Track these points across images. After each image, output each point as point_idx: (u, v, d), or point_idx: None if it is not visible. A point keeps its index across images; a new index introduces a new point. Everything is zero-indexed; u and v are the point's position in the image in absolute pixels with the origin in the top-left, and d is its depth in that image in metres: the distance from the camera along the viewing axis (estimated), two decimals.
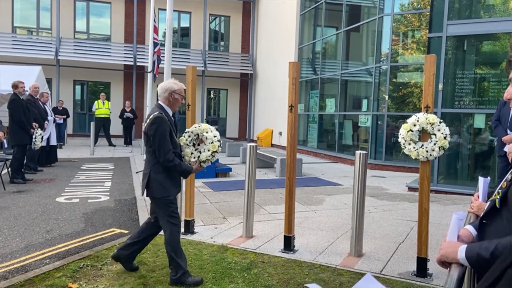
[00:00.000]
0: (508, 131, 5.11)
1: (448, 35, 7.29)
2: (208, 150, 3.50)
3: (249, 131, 20.24)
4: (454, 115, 7.58)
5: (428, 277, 3.64)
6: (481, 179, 1.76)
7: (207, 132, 3.54)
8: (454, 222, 1.41)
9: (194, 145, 3.58)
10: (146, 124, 3.28)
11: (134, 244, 3.54)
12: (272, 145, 16.40)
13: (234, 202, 6.28)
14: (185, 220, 4.66)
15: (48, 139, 9.47)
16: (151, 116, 3.25)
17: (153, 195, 3.32)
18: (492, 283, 0.87)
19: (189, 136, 3.56)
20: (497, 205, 1.27)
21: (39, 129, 7.96)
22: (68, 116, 13.92)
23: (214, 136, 3.54)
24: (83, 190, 7.06)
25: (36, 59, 15.89)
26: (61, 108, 13.63)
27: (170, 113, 3.37)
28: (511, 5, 7.43)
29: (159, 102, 3.40)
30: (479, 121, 7.36)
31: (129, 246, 3.55)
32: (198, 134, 3.57)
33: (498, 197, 1.28)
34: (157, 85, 3.57)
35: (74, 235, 4.64)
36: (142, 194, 3.42)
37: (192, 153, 3.53)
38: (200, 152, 3.51)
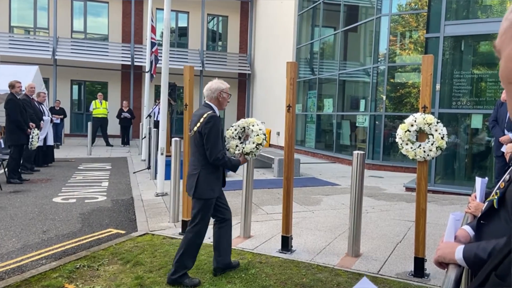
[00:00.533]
0: (506, 132, 5.13)
1: (445, 36, 7.31)
2: (253, 143, 3.57)
3: None
4: (452, 116, 7.59)
5: (426, 277, 3.63)
6: (478, 180, 1.75)
7: (253, 126, 3.62)
8: (451, 222, 1.40)
9: (239, 138, 3.65)
10: (198, 123, 3.25)
11: (218, 249, 3.53)
12: (270, 145, 16.40)
13: (232, 202, 6.22)
14: (183, 221, 4.65)
15: (45, 139, 9.43)
16: (204, 115, 3.25)
17: (203, 197, 3.30)
18: (480, 284, 0.87)
19: (235, 130, 3.64)
20: (495, 206, 1.26)
21: (36, 129, 7.93)
22: (65, 116, 13.87)
23: (260, 130, 3.62)
24: (80, 190, 7.03)
25: (33, 59, 15.83)
26: (58, 108, 13.58)
27: (218, 112, 3.40)
28: (508, 6, 7.45)
29: (207, 101, 3.41)
30: (476, 122, 7.37)
31: (217, 252, 3.54)
32: (244, 127, 3.64)
33: (496, 197, 1.27)
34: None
35: (70, 236, 4.62)
36: (190, 195, 3.38)
37: (237, 146, 3.60)
38: (245, 144, 3.57)
